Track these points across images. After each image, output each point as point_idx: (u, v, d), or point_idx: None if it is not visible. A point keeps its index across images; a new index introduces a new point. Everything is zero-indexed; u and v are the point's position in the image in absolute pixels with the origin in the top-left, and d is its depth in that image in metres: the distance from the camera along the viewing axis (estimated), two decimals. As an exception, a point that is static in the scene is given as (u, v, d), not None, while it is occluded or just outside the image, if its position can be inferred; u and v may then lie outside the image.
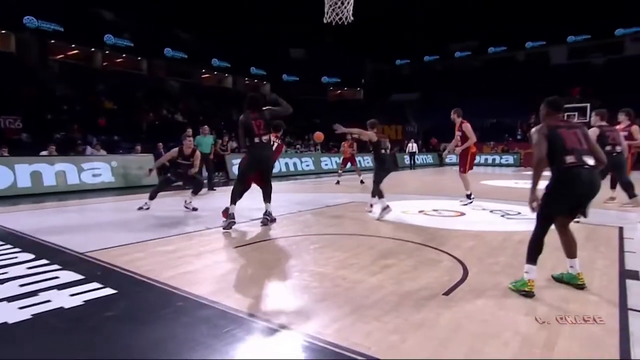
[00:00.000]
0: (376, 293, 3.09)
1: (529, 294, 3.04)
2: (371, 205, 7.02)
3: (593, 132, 6.49)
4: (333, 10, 4.74)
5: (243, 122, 5.42)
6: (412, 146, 23.49)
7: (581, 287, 3.18)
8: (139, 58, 26.97)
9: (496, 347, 2.28)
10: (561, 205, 3.16)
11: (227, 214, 5.50)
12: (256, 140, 5.40)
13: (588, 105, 21.25)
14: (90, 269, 3.65)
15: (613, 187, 7.58)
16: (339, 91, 39.10)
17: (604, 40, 30.32)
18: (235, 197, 5.55)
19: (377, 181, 6.77)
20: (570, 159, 3.04)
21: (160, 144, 13.74)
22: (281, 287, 3.33)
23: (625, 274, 3.53)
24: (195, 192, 7.43)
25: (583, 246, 4.51)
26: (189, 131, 8.53)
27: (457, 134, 7.71)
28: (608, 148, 6.30)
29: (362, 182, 12.13)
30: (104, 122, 18.07)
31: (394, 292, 3.11)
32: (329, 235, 5.23)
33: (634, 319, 2.64)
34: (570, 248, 3.28)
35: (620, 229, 5.38)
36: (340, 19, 4.77)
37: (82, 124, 16.50)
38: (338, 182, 12.32)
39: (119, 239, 4.80)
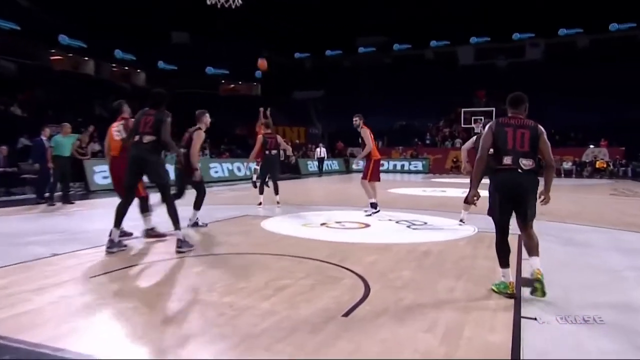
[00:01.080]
0: (268, 319, 3.12)
1: (512, 296, 3.65)
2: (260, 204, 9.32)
3: (472, 139, 7.50)
4: (218, -10, 4.72)
5: (136, 117, 5.36)
6: (321, 151, 24.17)
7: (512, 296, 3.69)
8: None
9: (394, 368, 2.47)
10: (501, 208, 3.74)
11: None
12: (136, 138, 5.25)
13: (494, 109, 24.21)
14: None
15: None
16: (233, 85, 38.66)
17: (504, 43, 34.85)
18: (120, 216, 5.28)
19: (260, 178, 9.60)
20: (507, 160, 3.64)
21: (4, 147, 12.13)
22: (151, 323, 3.17)
23: (521, 282, 4.07)
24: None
25: (486, 255, 5.13)
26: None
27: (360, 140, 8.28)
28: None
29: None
30: None
31: (288, 317, 3.17)
32: (216, 255, 5.15)
33: (526, 326, 3.07)
34: (527, 246, 3.86)
35: (520, 237, 6.19)
36: (227, 1, 4.75)
37: None
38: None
39: None
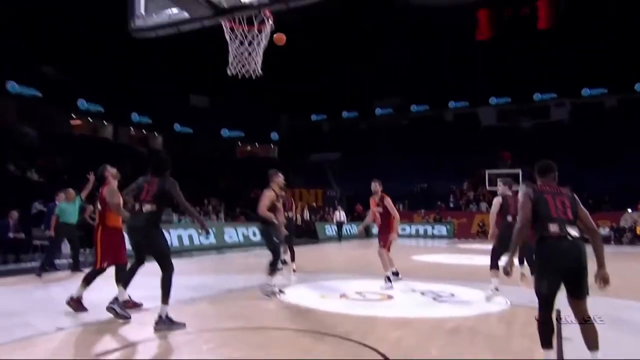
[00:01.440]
0: (285, 406, 3.00)
1: None
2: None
3: (497, 201, 7.33)
4: (239, 61, 4.98)
5: (137, 183, 5.40)
6: (340, 214, 24.01)
7: None
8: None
9: None
10: (549, 280, 3.52)
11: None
12: (136, 207, 5.29)
13: (519, 171, 24.12)
14: None
15: (522, 262, 8.22)
16: (249, 148, 39.58)
17: (526, 103, 35.25)
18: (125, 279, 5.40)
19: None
20: (553, 227, 3.48)
21: (15, 212, 12.40)
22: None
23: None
24: (274, 265, 7.02)
25: (523, 333, 4.89)
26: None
27: (377, 209, 7.94)
28: (509, 218, 6.98)
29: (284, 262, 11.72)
30: None
31: (306, 404, 3.04)
32: (229, 330, 5.02)
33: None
34: (586, 336, 3.51)
35: (558, 312, 5.92)
36: (247, 71, 5.01)
37: None
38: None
39: None
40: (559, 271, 3.51)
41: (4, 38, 22.37)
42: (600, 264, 3.53)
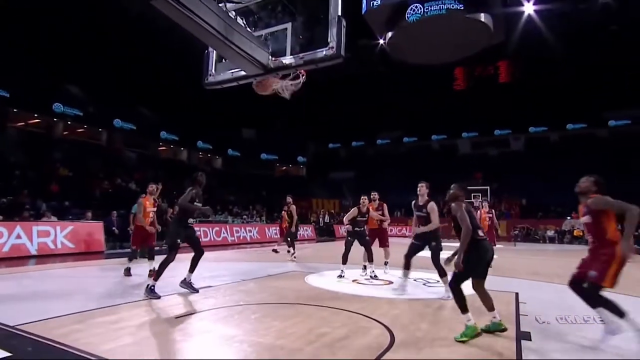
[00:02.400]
0: (312, 362, 2.99)
1: (478, 335, 3.55)
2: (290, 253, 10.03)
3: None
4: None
5: None
6: None
7: (505, 329, 3.63)
8: (100, 129, 25.77)
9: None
10: (477, 268, 3.69)
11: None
12: None
13: (488, 187, 23.70)
14: (19, 344, 3.17)
15: None
16: (284, 168, 39.85)
17: (489, 137, 34.85)
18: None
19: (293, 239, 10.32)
20: (480, 232, 3.74)
21: (114, 212, 12.76)
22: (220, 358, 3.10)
23: (520, 336, 3.75)
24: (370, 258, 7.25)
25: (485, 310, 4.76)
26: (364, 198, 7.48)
27: (376, 213, 7.75)
28: None
29: (275, 251, 11.49)
30: (57, 188, 16.69)
31: (328, 361, 3.02)
32: (270, 304, 5.04)
33: None
34: (489, 303, 3.75)
35: (516, 295, 5.78)
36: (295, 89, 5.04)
37: (32, 189, 15.08)
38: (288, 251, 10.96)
39: (58, 309, 4.26)
40: (485, 262, 3.71)
41: (3, 38, 18.82)
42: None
